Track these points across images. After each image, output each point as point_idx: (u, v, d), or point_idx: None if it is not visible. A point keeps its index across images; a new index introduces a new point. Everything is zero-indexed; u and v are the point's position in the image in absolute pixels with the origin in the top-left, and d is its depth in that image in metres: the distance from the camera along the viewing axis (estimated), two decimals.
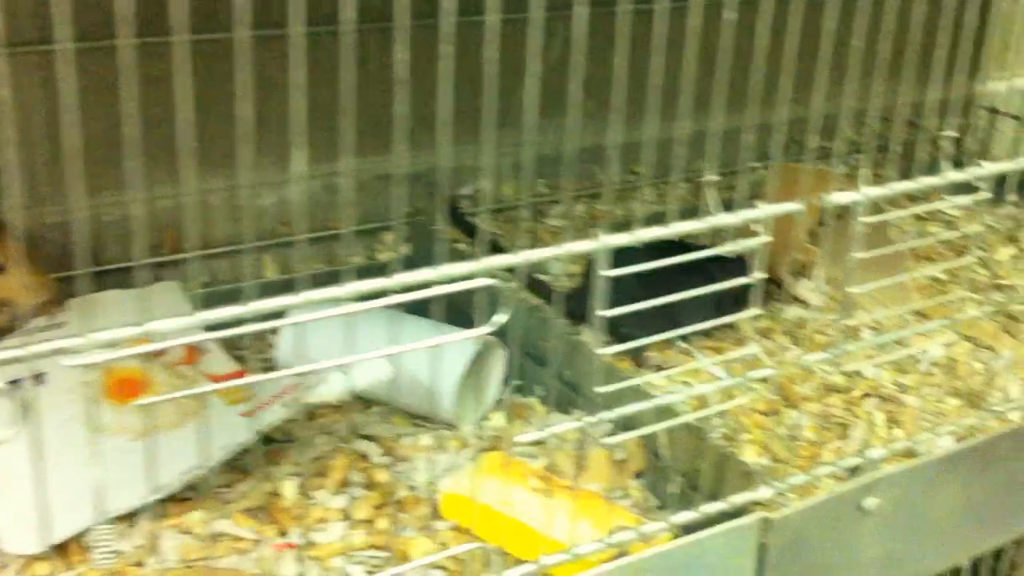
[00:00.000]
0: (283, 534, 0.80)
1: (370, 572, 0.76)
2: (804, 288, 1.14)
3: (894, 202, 0.79)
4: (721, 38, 0.61)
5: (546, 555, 0.69)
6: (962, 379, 1.05)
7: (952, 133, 0.71)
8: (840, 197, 0.70)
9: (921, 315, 1.10)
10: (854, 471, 0.83)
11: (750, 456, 0.93)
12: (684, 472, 0.84)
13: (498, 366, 1.00)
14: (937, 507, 0.87)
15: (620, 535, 0.71)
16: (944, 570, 0.92)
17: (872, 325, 1.14)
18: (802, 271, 1.16)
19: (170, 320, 0.48)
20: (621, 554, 0.72)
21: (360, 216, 1.17)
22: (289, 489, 0.84)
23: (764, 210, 0.66)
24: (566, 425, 0.68)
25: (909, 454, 0.89)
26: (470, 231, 1.13)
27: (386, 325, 0.94)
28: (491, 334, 0.98)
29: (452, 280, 0.58)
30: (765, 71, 0.64)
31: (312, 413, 0.94)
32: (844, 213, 0.75)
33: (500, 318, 0.58)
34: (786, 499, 0.81)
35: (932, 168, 0.76)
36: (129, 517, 0.79)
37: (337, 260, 1.13)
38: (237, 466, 0.87)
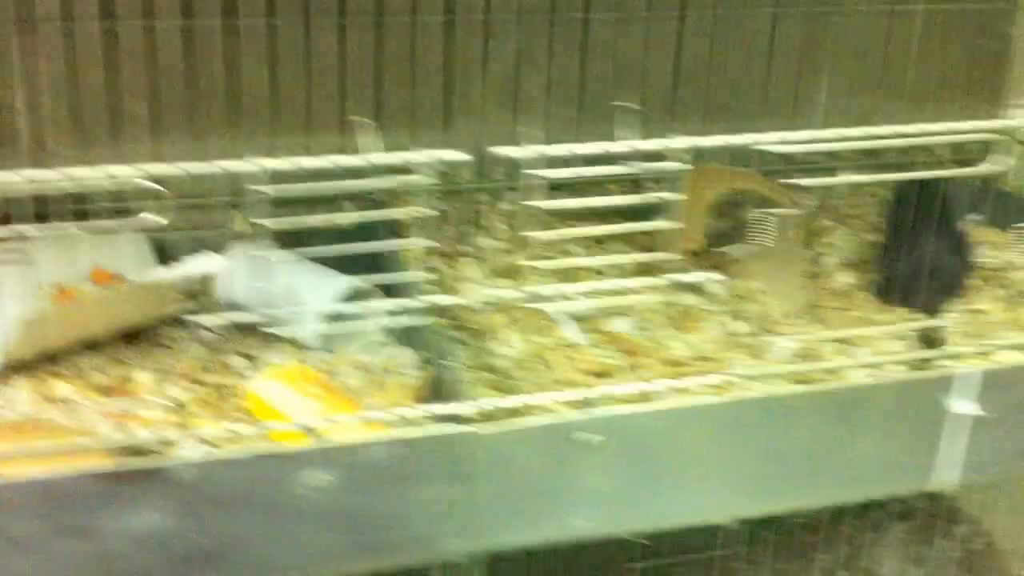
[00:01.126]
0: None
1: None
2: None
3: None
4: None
5: (232, 423, 0.85)
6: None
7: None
8: (505, 150, 0.81)
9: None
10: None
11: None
12: None
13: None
14: (678, 458, 0.94)
15: (311, 420, 0.86)
16: (698, 523, 0.98)
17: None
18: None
19: None
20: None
21: None
22: (142, 377, 1.04)
23: (424, 154, 0.79)
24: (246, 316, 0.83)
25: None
26: None
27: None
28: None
29: None
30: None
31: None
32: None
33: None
34: None
35: None
36: (6, 378, 1.02)
37: None
38: (122, 360, 1.08)
